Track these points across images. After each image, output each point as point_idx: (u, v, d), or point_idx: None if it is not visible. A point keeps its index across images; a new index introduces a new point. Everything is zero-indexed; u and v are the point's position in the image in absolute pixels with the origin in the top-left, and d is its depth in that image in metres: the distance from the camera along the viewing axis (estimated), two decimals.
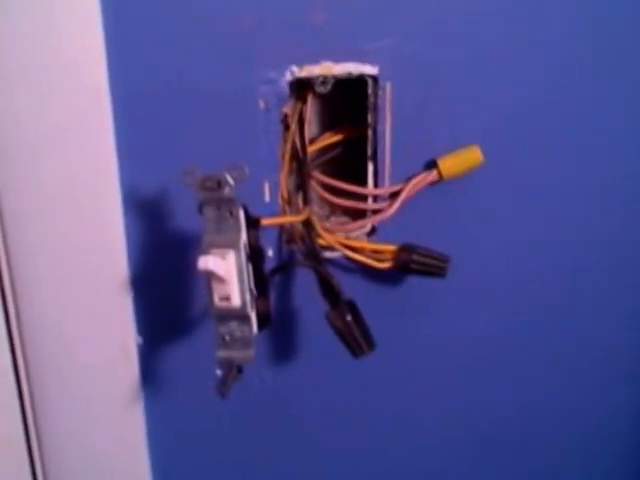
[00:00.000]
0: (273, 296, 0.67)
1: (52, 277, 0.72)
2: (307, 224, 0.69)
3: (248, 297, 0.57)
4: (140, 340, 0.76)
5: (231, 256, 0.57)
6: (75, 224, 0.70)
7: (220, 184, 0.55)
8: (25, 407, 0.77)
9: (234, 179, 0.55)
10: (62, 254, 0.71)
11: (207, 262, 0.55)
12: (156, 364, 0.77)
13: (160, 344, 0.76)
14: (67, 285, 0.72)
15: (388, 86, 0.67)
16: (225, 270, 0.56)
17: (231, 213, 0.57)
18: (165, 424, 0.80)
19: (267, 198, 0.71)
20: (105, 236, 0.70)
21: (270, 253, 0.72)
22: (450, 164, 0.68)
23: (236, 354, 0.59)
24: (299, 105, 0.71)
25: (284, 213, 0.72)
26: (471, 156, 0.68)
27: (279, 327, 0.74)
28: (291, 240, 0.72)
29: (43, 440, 0.79)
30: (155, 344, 0.76)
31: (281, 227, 0.72)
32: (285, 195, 0.71)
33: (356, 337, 0.63)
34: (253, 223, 0.59)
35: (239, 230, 0.57)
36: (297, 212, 0.70)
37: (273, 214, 0.70)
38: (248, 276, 0.58)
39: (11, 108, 0.66)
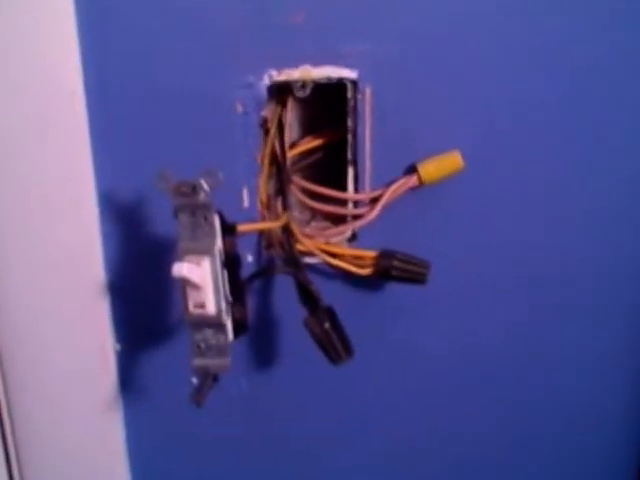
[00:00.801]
0: (251, 302, 0.67)
1: (28, 283, 0.71)
2: (286, 230, 0.68)
3: (223, 304, 0.57)
4: (118, 347, 0.75)
5: (206, 263, 0.56)
6: (51, 229, 0.69)
7: (195, 190, 0.55)
8: (2, 414, 0.76)
9: (209, 185, 0.55)
10: (38, 260, 0.70)
11: (181, 269, 0.54)
12: (135, 371, 0.76)
13: (139, 350, 0.75)
14: (44, 291, 0.71)
15: (368, 90, 0.67)
16: (200, 277, 0.55)
17: (206, 219, 0.56)
18: (144, 431, 0.80)
19: (246, 203, 0.70)
20: (82, 242, 0.69)
21: (249, 259, 0.71)
22: (430, 169, 0.68)
23: (211, 362, 0.58)
24: (279, 109, 0.70)
25: (263, 218, 0.71)
26: (452, 161, 0.67)
27: (257, 333, 0.74)
28: (270, 246, 0.71)
29: (20, 447, 0.78)
30: (134, 350, 0.75)
31: (260, 232, 0.71)
32: (264, 200, 0.71)
33: (334, 344, 0.62)
34: (229, 229, 0.59)
35: (214, 236, 0.57)
36: (276, 217, 0.69)
37: (252, 219, 0.70)
38: (223, 283, 0.57)
39: None
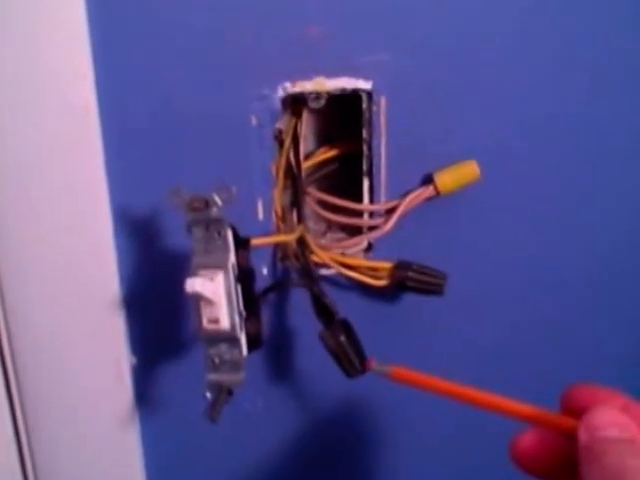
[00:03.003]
0: (266, 315, 0.66)
1: (43, 298, 0.71)
2: (301, 242, 0.68)
3: (237, 319, 0.57)
4: (134, 360, 0.75)
5: (219, 277, 0.56)
6: (65, 244, 0.69)
7: (208, 204, 0.55)
8: (19, 430, 0.76)
9: (222, 199, 0.54)
10: (53, 275, 0.70)
11: (194, 284, 0.54)
12: (151, 384, 0.76)
13: (155, 364, 0.75)
14: (59, 306, 0.71)
15: (383, 101, 0.66)
16: (213, 292, 0.55)
17: (219, 234, 0.56)
18: (161, 444, 0.79)
19: (260, 216, 0.70)
20: (96, 256, 0.69)
21: (265, 271, 0.71)
22: (447, 179, 0.67)
23: (226, 377, 0.58)
24: (293, 120, 0.70)
25: (278, 230, 0.71)
26: (468, 171, 0.67)
27: (271, 347, 0.73)
28: (285, 257, 0.71)
29: (37, 463, 0.78)
30: (150, 364, 0.75)
31: (275, 245, 0.71)
32: (279, 212, 0.70)
33: (350, 357, 0.62)
34: (243, 243, 0.58)
35: (228, 251, 0.56)
36: (290, 230, 0.69)
37: (267, 232, 0.69)
38: (237, 298, 0.57)
39: None
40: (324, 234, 0.75)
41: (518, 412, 0.43)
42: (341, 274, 0.69)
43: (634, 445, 0.37)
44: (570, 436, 0.40)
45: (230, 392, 0.58)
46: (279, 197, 0.70)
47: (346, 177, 0.72)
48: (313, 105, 0.67)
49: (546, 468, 0.42)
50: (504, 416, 0.44)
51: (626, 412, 0.39)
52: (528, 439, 0.43)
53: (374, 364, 0.50)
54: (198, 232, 0.57)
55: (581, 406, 0.41)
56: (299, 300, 0.69)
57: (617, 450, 0.37)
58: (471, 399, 0.46)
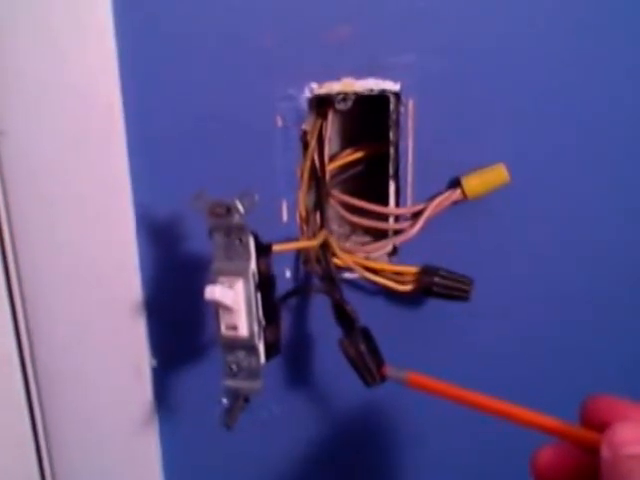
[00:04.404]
0: (285, 320, 0.66)
1: (65, 300, 0.72)
2: (324, 246, 0.67)
3: (256, 327, 0.56)
4: (154, 363, 0.75)
5: (239, 285, 0.55)
6: (88, 246, 0.69)
7: (229, 211, 0.54)
8: (37, 431, 0.77)
9: (244, 206, 0.54)
10: (75, 277, 0.70)
11: (214, 292, 0.54)
12: (171, 387, 0.76)
13: (175, 366, 0.75)
14: (80, 308, 0.72)
15: (411, 103, 0.65)
16: (233, 299, 0.55)
17: (240, 241, 0.56)
18: (179, 446, 0.80)
19: (285, 218, 0.69)
20: (118, 259, 0.70)
21: (288, 274, 0.71)
22: (475, 183, 0.66)
23: (243, 384, 0.58)
24: (319, 122, 0.69)
25: (302, 233, 0.70)
26: (496, 175, 0.65)
27: (289, 353, 0.73)
28: (308, 261, 0.70)
29: (56, 466, 0.79)
30: (170, 366, 0.75)
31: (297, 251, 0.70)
32: (303, 214, 0.70)
33: (369, 366, 0.61)
34: (264, 249, 0.58)
35: (248, 258, 0.56)
36: (313, 235, 0.68)
37: (291, 234, 0.69)
38: (257, 305, 0.57)
39: (22, 127, 0.66)
40: (348, 237, 0.74)
41: (537, 423, 0.42)
42: (365, 278, 0.68)
43: None
44: (592, 450, 0.38)
45: (246, 399, 0.58)
46: (303, 199, 0.69)
47: (371, 180, 0.71)
48: (340, 106, 0.66)
49: None
50: (523, 426, 0.43)
51: None
52: (548, 454, 0.42)
53: (389, 370, 0.49)
54: (219, 238, 0.56)
55: (601, 418, 0.40)
56: (319, 305, 0.68)
57: None
58: (488, 408, 0.44)
